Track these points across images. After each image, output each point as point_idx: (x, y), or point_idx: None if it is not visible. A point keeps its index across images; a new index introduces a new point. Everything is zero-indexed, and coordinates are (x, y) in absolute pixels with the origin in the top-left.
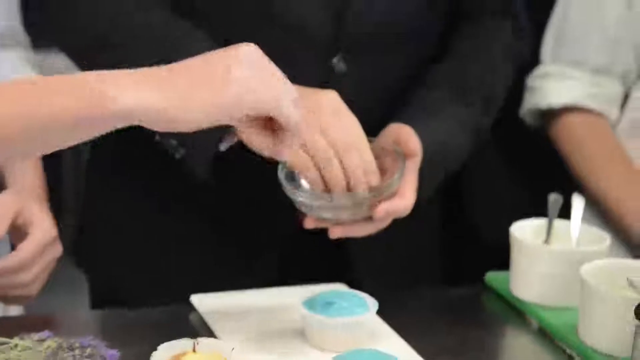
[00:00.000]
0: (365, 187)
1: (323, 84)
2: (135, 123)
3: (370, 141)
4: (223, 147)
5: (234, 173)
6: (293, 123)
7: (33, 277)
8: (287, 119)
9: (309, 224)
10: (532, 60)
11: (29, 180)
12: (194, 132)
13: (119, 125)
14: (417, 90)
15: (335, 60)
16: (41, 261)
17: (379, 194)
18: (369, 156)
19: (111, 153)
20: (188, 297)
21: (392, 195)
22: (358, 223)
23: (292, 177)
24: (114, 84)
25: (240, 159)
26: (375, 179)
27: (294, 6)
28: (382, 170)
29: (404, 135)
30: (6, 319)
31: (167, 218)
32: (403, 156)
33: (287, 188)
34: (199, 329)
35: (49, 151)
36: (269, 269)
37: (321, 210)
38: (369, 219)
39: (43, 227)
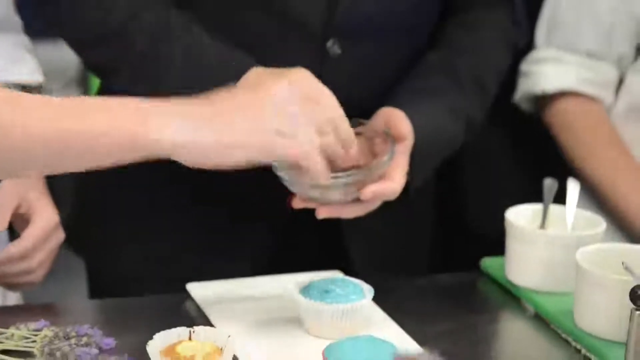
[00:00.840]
0: (348, 163)
1: (318, 68)
2: (170, 157)
3: (362, 124)
4: None
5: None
6: (314, 172)
7: (37, 264)
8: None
9: (297, 203)
10: (526, 45)
11: None
12: None
13: (152, 156)
14: (409, 78)
15: (329, 44)
16: (45, 248)
17: (367, 175)
18: (347, 129)
19: None
20: (184, 285)
21: (381, 177)
22: (346, 204)
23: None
24: (158, 114)
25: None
26: (354, 151)
27: None
28: (373, 153)
29: (395, 119)
30: (2, 309)
31: (162, 205)
32: (393, 139)
33: (277, 168)
34: (195, 317)
35: (70, 170)
36: (265, 257)
37: (309, 190)
38: (358, 200)
39: (45, 214)
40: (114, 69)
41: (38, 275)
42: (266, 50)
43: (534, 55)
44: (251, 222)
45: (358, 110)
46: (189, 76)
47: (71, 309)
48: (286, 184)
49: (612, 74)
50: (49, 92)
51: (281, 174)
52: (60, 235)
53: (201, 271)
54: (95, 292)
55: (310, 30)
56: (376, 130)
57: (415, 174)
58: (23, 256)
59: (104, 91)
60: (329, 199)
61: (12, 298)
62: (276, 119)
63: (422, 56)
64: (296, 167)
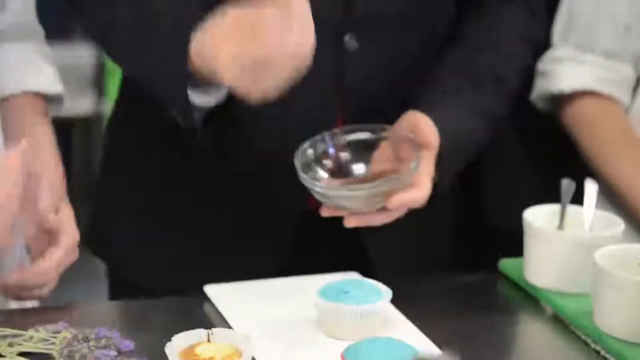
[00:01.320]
0: None
1: (337, 62)
2: None
3: (386, 129)
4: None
5: (249, 162)
6: None
7: (51, 281)
8: None
9: (325, 212)
10: (542, 44)
11: (57, 178)
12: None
13: None
14: (430, 78)
15: (347, 38)
16: (62, 267)
17: (394, 184)
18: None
19: (127, 145)
20: (202, 286)
21: (408, 185)
22: (373, 212)
23: (308, 166)
24: None
25: (255, 149)
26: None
27: None
28: (399, 159)
29: (421, 126)
30: (22, 311)
31: (180, 206)
32: (419, 146)
33: (304, 177)
34: (213, 319)
35: None
36: (283, 259)
37: (337, 200)
38: (384, 208)
39: (71, 233)
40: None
41: (46, 291)
42: None
43: (550, 54)
44: (268, 223)
45: (376, 104)
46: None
47: (90, 311)
48: (314, 194)
49: (629, 74)
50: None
51: (309, 185)
52: (76, 254)
53: (219, 273)
54: (116, 293)
55: (329, 25)
56: (401, 136)
57: (442, 178)
58: (43, 274)
59: (123, 96)
60: (357, 208)
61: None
62: None
63: (439, 51)
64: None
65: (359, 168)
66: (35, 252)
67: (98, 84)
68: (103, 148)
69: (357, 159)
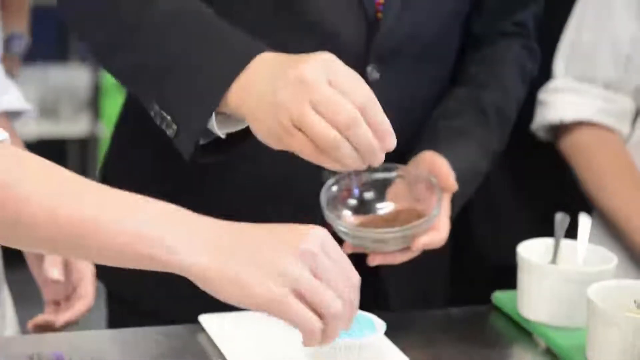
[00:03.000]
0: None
1: None
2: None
3: (399, 168)
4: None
5: (247, 192)
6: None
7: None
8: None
9: (348, 249)
10: (544, 74)
11: None
12: (188, 114)
13: (159, 269)
14: (441, 115)
15: (369, 69)
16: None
17: (419, 228)
18: (382, 116)
19: (124, 170)
20: (198, 308)
21: (430, 227)
22: (395, 252)
23: (334, 204)
24: (176, 235)
25: (264, 175)
26: (391, 141)
27: (328, 16)
28: (416, 199)
29: (441, 168)
30: (18, 339)
31: None
32: (439, 188)
33: (329, 216)
34: (208, 349)
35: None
36: None
37: (364, 241)
38: (405, 248)
39: (88, 264)
40: (116, 44)
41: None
42: None
43: (551, 84)
44: None
45: (397, 131)
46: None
47: (85, 339)
48: (339, 232)
49: (629, 105)
50: (61, 113)
51: (335, 225)
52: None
53: (214, 301)
54: (113, 312)
55: (352, 56)
56: (419, 176)
57: (451, 215)
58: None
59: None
60: (380, 249)
61: (11, 329)
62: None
63: (447, 87)
64: None
65: (379, 207)
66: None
67: (94, 105)
68: (100, 170)
69: (378, 197)
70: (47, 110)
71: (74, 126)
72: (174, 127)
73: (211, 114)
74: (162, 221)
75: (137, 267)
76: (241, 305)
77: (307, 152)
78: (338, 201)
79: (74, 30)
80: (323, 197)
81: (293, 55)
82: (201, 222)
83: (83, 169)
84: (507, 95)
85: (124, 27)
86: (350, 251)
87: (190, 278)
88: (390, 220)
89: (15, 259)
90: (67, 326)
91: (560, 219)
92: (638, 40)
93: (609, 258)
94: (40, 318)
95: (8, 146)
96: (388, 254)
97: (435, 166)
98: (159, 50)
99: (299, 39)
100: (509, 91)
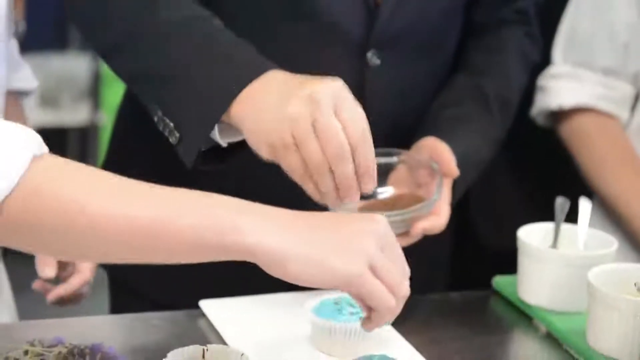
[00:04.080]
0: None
1: (359, 78)
2: (252, 261)
3: (402, 153)
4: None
5: (253, 178)
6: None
7: (89, 286)
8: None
9: None
10: (543, 60)
11: None
12: (192, 123)
13: (230, 258)
14: (442, 103)
15: (369, 54)
16: (94, 271)
17: (419, 212)
18: (372, 157)
19: (127, 156)
20: (199, 296)
21: (430, 212)
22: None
23: None
24: (248, 219)
25: (262, 164)
26: (371, 186)
27: (328, 3)
28: (417, 184)
29: (443, 153)
30: (19, 324)
31: None
32: (440, 174)
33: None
34: (208, 334)
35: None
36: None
37: None
38: (404, 233)
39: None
40: (124, 47)
41: (87, 294)
42: (307, 63)
43: (550, 70)
44: None
45: (395, 121)
46: (200, 61)
47: (86, 325)
48: None
49: (628, 91)
50: (60, 102)
51: (337, 210)
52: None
53: (215, 287)
54: (115, 298)
55: (352, 42)
56: (420, 161)
57: (452, 202)
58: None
59: (126, 104)
60: None
61: (27, 313)
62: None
63: (450, 74)
64: None
65: (380, 191)
66: (61, 266)
67: (94, 94)
68: (105, 157)
69: (379, 182)
70: (47, 99)
71: (74, 115)
72: (177, 134)
73: (214, 125)
74: (234, 208)
75: (210, 259)
76: (315, 285)
77: (296, 172)
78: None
79: (81, 32)
80: None
81: (303, 76)
82: (270, 209)
83: (84, 157)
84: (508, 82)
85: (130, 33)
86: None
87: (266, 262)
88: (390, 204)
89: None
90: (63, 303)
91: (561, 203)
92: (635, 27)
93: (609, 242)
94: (38, 283)
95: (51, 157)
96: None
97: (437, 152)
98: (165, 58)
99: (298, 27)
100: (511, 78)
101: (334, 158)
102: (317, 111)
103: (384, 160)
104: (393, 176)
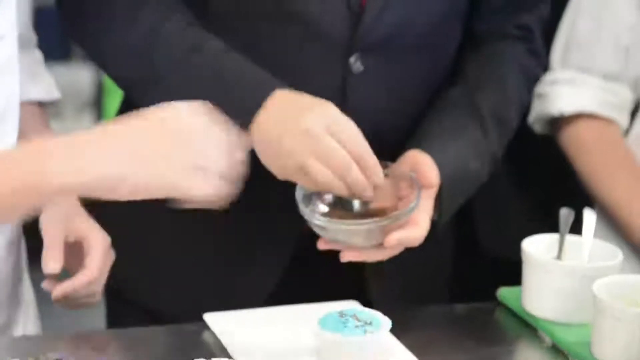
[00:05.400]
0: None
1: (341, 84)
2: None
3: (386, 166)
4: None
5: (249, 192)
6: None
7: (100, 287)
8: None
9: (322, 245)
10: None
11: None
12: None
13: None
14: (433, 115)
15: (352, 59)
16: (105, 270)
17: (392, 221)
18: (375, 165)
19: None
20: (199, 309)
21: (406, 223)
22: (370, 249)
23: (309, 198)
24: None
25: (255, 180)
26: (379, 179)
27: (309, 3)
28: (398, 197)
29: (422, 165)
30: (24, 339)
31: (178, 230)
32: (419, 185)
33: (304, 210)
34: (213, 348)
35: None
36: (283, 287)
37: (336, 234)
38: (381, 245)
39: (99, 238)
40: (136, 81)
41: (99, 296)
42: (289, 66)
43: (549, 76)
44: (269, 253)
45: (379, 127)
46: (209, 89)
47: (90, 340)
48: (314, 227)
49: (628, 97)
50: (64, 112)
51: (309, 218)
52: (112, 255)
53: (219, 301)
54: (112, 311)
55: (335, 46)
56: (402, 174)
57: (442, 215)
58: (89, 284)
59: (124, 111)
60: (354, 243)
61: (33, 328)
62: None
63: (442, 91)
64: None
65: (358, 204)
66: (73, 267)
67: (97, 104)
68: None
69: None
70: (51, 109)
71: (77, 125)
72: None
73: None
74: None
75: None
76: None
77: (311, 187)
78: (316, 197)
79: (79, 46)
80: (298, 192)
81: (299, 98)
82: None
83: None
84: (505, 97)
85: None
86: (325, 246)
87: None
88: (367, 215)
89: (38, 258)
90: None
91: (565, 215)
92: (635, 30)
93: (614, 253)
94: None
95: None
96: (361, 250)
97: (418, 163)
98: (173, 89)
99: (280, 27)
100: (508, 93)
101: (341, 172)
102: (314, 143)
103: None
104: (376, 190)
